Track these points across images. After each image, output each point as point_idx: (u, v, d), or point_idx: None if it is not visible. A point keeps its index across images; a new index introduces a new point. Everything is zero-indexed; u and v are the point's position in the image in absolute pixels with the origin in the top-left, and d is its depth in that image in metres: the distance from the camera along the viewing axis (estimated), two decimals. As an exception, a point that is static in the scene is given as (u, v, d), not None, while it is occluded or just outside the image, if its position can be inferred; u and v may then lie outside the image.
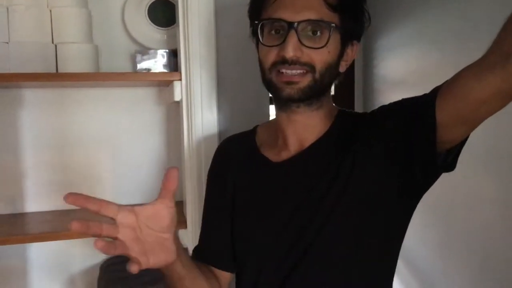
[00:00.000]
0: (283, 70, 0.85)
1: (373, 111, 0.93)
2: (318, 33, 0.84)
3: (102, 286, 1.41)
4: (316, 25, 0.83)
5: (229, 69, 1.33)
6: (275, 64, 0.86)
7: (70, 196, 0.68)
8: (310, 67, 0.85)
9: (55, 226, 1.32)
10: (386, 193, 0.86)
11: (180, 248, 0.82)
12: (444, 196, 2.41)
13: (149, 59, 1.41)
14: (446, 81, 0.80)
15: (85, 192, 1.41)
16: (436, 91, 0.80)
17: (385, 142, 0.85)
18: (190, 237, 1.32)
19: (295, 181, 0.92)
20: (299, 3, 0.84)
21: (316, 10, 0.83)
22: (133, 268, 0.70)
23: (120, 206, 0.72)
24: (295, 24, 0.82)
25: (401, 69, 2.88)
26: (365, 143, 0.87)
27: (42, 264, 1.50)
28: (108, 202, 0.71)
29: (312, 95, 0.88)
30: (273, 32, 0.86)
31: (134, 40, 1.48)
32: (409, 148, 0.83)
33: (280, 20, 0.84)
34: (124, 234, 0.71)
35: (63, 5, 1.34)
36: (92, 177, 1.50)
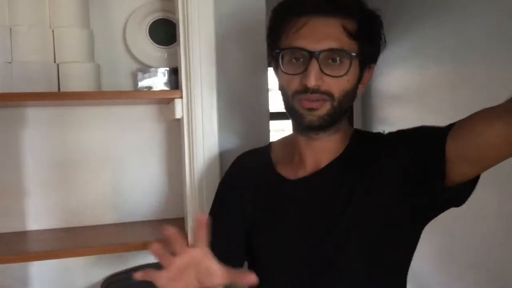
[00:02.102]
0: (305, 98, 0.86)
1: (390, 133, 0.95)
2: (338, 61, 0.85)
3: (103, 304, 1.41)
4: (337, 54, 0.85)
5: (229, 87, 1.34)
6: (297, 92, 0.88)
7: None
8: (329, 96, 0.86)
9: (57, 245, 1.32)
10: (397, 216, 0.88)
11: None
12: (445, 212, 2.41)
13: (150, 77, 1.43)
14: (460, 120, 0.82)
15: (86, 210, 1.42)
16: (450, 127, 0.82)
17: (398, 168, 0.87)
18: (192, 254, 1.32)
19: (311, 200, 0.94)
20: (320, 32, 0.85)
21: (337, 39, 0.84)
22: (138, 275, 0.74)
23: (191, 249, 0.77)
24: (316, 53, 0.84)
25: (399, 84, 2.90)
26: (379, 167, 0.89)
27: (43, 282, 1.50)
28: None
29: (331, 121, 0.89)
30: (293, 60, 0.88)
31: (135, 59, 1.49)
32: (419, 177, 0.85)
33: (301, 49, 0.85)
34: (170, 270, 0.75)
35: (65, 25, 1.36)
36: (94, 194, 1.50)
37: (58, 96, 1.30)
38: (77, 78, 1.36)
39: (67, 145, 1.48)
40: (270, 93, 1.39)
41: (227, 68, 1.33)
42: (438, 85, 2.38)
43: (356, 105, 3.41)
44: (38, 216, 1.46)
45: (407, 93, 2.75)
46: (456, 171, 0.81)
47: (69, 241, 1.36)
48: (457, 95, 2.15)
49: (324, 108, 0.87)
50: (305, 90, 0.86)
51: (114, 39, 1.50)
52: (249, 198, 1.02)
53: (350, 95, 0.89)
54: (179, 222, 1.48)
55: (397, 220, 0.88)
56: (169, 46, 1.50)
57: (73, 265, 1.51)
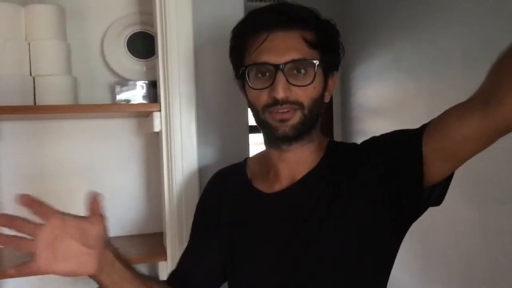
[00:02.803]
0: (276, 110, 0.88)
1: (364, 142, 0.96)
2: (303, 71, 0.88)
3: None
4: (301, 64, 0.87)
5: (208, 100, 1.34)
6: (267, 106, 0.89)
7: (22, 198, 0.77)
8: (298, 105, 0.88)
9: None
10: (376, 224, 0.88)
11: (111, 266, 0.83)
12: (424, 224, 2.43)
13: (128, 90, 1.42)
14: (434, 118, 0.84)
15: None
16: (424, 127, 0.84)
17: (375, 175, 0.88)
18: (170, 269, 1.30)
19: (288, 213, 0.93)
20: (281, 45, 0.87)
21: (298, 50, 0.87)
22: (12, 272, 0.75)
23: (55, 212, 0.80)
24: (281, 65, 0.85)
25: (378, 97, 2.94)
26: (355, 176, 0.89)
27: (18, 300, 1.46)
28: (49, 207, 0.80)
29: (304, 130, 0.91)
30: (260, 75, 0.90)
31: (113, 72, 1.48)
32: (397, 181, 0.85)
33: (266, 63, 0.87)
34: (41, 236, 0.77)
35: (41, 38, 1.35)
36: (70, 209, 1.47)
37: (34, 110, 1.29)
38: (54, 91, 1.34)
39: (43, 159, 1.46)
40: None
41: (206, 81, 1.33)
42: (415, 98, 2.41)
43: (336, 118, 3.44)
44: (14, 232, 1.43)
45: (385, 106, 2.79)
46: (434, 169, 0.83)
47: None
48: (434, 108, 2.17)
49: (296, 117, 0.88)
50: (275, 102, 0.87)
51: (92, 52, 1.49)
52: (225, 215, 1.02)
53: (318, 102, 0.91)
54: (158, 237, 1.46)
55: (377, 230, 0.88)
56: (147, 59, 1.49)
57: (50, 282, 1.47)
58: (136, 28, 1.49)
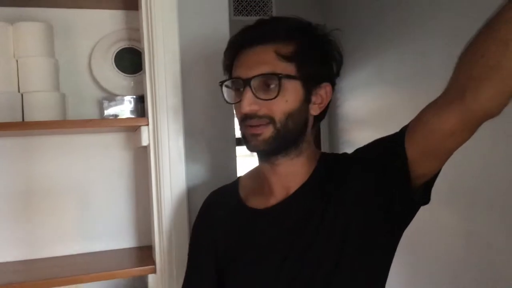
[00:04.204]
0: (248, 124, 0.90)
1: (351, 154, 0.97)
2: (272, 86, 0.88)
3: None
4: (268, 78, 0.88)
5: (195, 113, 1.36)
6: (242, 120, 0.91)
7: None
8: (269, 119, 0.89)
9: (22, 277, 1.28)
10: (370, 233, 0.89)
11: None
12: (410, 229, 2.47)
13: (116, 105, 1.44)
14: (412, 120, 0.86)
15: (53, 239, 1.41)
16: (404, 130, 0.86)
17: (365, 185, 0.89)
18: (160, 282, 1.31)
19: (282, 227, 0.94)
20: (252, 60, 0.90)
21: (269, 64, 0.88)
22: None
23: None
24: (248, 80, 0.88)
25: (363, 109, 2.98)
26: (346, 186, 0.90)
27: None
28: None
29: (278, 145, 0.91)
30: (235, 90, 0.93)
31: (101, 87, 1.50)
32: (386, 186, 0.87)
33: (237, 78, 0.91)
34: None
35: (29, 55, 1.36)
36: (60, 224, 1.48)
37: (22, 126, 1.29)
38: (42, 108, 1.35)
39: (32, 175, 1.46)
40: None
41: (192, 95, 1.35)
42: (399, 110, 2.46)
43: (324, 129, 3.48)
44: (2, 248, 1.43)
45: (370, 117, 2.83)
46: (422, 168, 0.84)
47: (35, 273, 1.33)
48: (418, 118, 2.22)
49: (267, 132, 0.89)
50: (245, 116, 0.90)
51: (79, 67, 1.50)
52: (221, 237, 1.03)
53: (295, 116, 0.90)
54: (148, 250, 1.47)
55: (372, 239, 0.89)
56: (135, 75, 1.51)
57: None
58: (124, 44, 1.51)
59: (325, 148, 3.53)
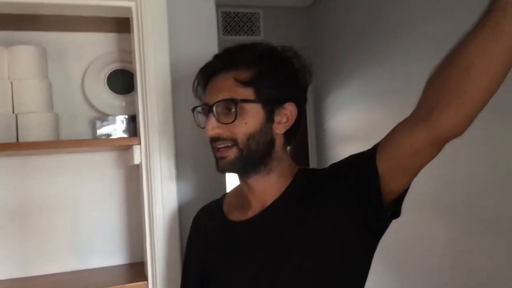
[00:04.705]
0: (215, 146, 0.98)
1: (328, 168, 1.02)
2: (232, 110, 0.95)
3: None
4: (227, 104, 0.95)
5: (186, 132, 1.39)
6: (210, 142, 1.00)
7: None
8: (232, 141, 0.96)
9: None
10: (345, 242, 0.93)
11: None
12: (398, 242, 2.51)
13: (108, 125, 1.47)
14: (384, 137, 0.91)
15: (46, 257, 1.43)
16: (376, 146, 0.91)
17: (338, 195, 0.94)
18: (152, 298, 1.33)
19: (259, 238, 0.99)
20: (215, 87, 0.98)
21: (228, 90, 0.96)
22: None
23: None
24: (211, 105, 0.96)
25: (350, 125, 3.04)
26: (321, 198, 0.95)
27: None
28: None
29: (244, 165, 0.98)
30: (204, 114, 1.01)
31: (94, 107, 1.54)
32: (359, 197, 0.91)
33: (204, 104, 1.00)
34: None
35: (24, 77, 1.39)
36: (53, 242, 1.50)
37: (17, 147, 1.32)
38: (36, 128, 1.38)
39: (25, 193, 1.48)
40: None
41: (183, 114, 1.38)
42: (383, 125, 2.51)
43: (311, 144, 3.53)
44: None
45: (356, 133, 2.89)
46: (393, 183, 0.89)
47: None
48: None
49: (232, 154, 0.96)
50: (211, 139, 0.98)
51: (73, 89, 1.54)
52: (206, 250, 1.08)
53: (257, 137, 0.96)
54: (140, 267, 1.50)
55: (347, 248, 0.93)
56: (126, 95, 1.55)
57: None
58: (116, 66, 1.56)
59: (313, 163, 3.57)
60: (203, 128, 1.00)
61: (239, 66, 0.97)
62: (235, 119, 0.94)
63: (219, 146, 0.97)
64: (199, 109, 1.03)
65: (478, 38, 0.71)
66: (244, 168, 0.99)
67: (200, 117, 1.03)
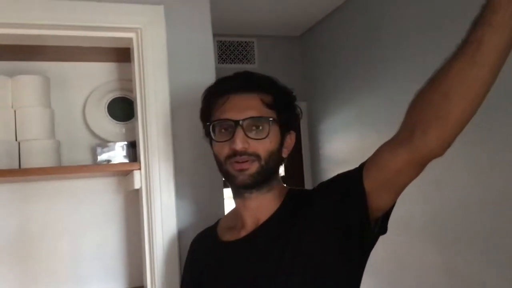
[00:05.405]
0: (235, 161, 0.99)
1: (315, 188, 1.07)
2: (260, 127, 1.00)
3: None
4: (257, 121, 1.00)
5: (184, 157, 1.42)
6: (228, 157, 1.01)
7: None
8: (256, 156, 1.00)
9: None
10: (332, 259, 0.96)
11: None
12: (392, 262, 2.53)
13: (109, 151, 1.51)
14: (370, 156, 0.96)
15: (46, 281, 1.45)
16: (362, 165, 0.96)
17: (326, 214, 0.98)
18: (152, 321, 1.35)
19: (251, 256, 1.02)
20: (241, 104, 1.01)
21: (256, 109, 1.01)
22: None
23: None
24: (240, 121, 0.99)
25: (344, 149, 3.09)
26: (309, 214, 0.99)
27: None
28: None
29: (261, 179, 1.02)
30: (223, 130, 1.03)
31: (95, 134, 1.58)
32: (346, 217, 0.95)
33: (227, 120, 1.01)
34: None
35: (27, 106, 1.44)
36: (53, 266, 1.52)
37: (19, 173, 1.35)
38: (38, 155, 1.41)
39: (27, 218, 1.51)
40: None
41: (182, 140, 1.42)
42: (377, 149, 2.56)
43: (306, 169, 3.56)
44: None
45: (351, 157, 2.93)
46: (378, 201, 0.93)
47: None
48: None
49: (253, 167, 1.00)
50: (234, 153, 0.99)
51: (74, 116, 1.59)
52: (201, 272, 1.12)
53: (274, 155, 1.02)
54: (139, 291, 1.51)
55: (333, 267, 0.96)
56: (126, 122, 1.60)
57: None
58: (116, 94, 1.61)
59: (308, 186, 3.60)
60: (221, 141, 1.02)
61: (262, 89, 1.03)
62: (267, 136, 0.99)
63: (242, 161, 0.99)
64: (218, 123, 1.04)
65: (456, 67, 0.76)
66: (259, 183, 1.02)
67: (216, 132, 1.04)
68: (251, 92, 1.02)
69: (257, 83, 1.04)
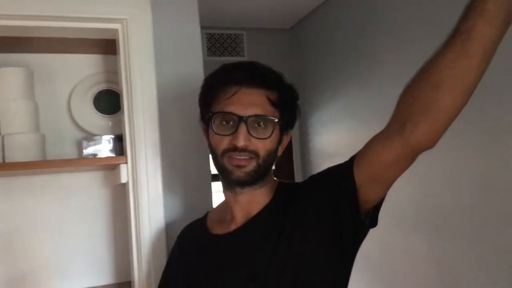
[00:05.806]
0: (234, 156, 0.98)
1: (305, 180, 1.06)
2: (263, 126, 0.98)
3: None
4: (262, 119, 0.98)
5: (172, 151, 1.41)
6: (226, 151, 0.99)
7: None
8: (255, 154, 0.98)
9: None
10: (323, 251, 0.96)
11: None
12: (383, 255, 2.54)
13: (95, 145, 1.48)
14: (360, 149, 0.95)
15: (32, 277, 1.43)
16: (353, 158, 0.95)
17: (317, 206, 0.97)
18: (140, 317, 1.34)
19: (242, 250, 1.01)
20: (248, 100, 0.98)
21: (262, 107, 0.98)
22: None
23: None
24: (245, 117, 0.96)
25: (333, 143, 3.09)
26: (301, 206, 0.98)
27: None
28: None
29: (257, 178, 1.00)
30: (224, 123, 1.00)
31: (80, 128, 1.55)
32: (337, 209, 0.95)
33: (232, 113, 0.98)
34: None
35: (10, 99, 1.41)
36: (39, 262, 1.49)
37: (3, 167, 1.33)
38: (22, 149, 1.39)
39: (11, 213, 1.49)
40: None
41: (169, 133, 1.41)
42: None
43: (296, 162, 3.56)
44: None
45: (339, 151, 2.94)
46: (369, 194, 0.93)
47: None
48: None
49: (251, 165, 0.99)
50: (234, 148, 0.97)
51: (59, 109, 1.56)
52: (190, 265, 1.10)
53: (272, 155, 1.02)
54: (127, 286, 1.50)
55: (325, 258, 0.96)
56: (113, 115, 1.57)
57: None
58: (102, 86, 1.58)
59: (298, 179, 3.60)
60: (219, 134, 1.00)
61: (269, 86, 1.00)
62: (270, 136, 0.98)
63: (240, 157, 0.98)
64: (219, 115, 1.00)
65: (446, 57, 0.75)
66: (254, 181, 1.01)
67: (217, 123, 1.01)
68: (259, 87, 1.00)
69: (266, 78, 1.01)
